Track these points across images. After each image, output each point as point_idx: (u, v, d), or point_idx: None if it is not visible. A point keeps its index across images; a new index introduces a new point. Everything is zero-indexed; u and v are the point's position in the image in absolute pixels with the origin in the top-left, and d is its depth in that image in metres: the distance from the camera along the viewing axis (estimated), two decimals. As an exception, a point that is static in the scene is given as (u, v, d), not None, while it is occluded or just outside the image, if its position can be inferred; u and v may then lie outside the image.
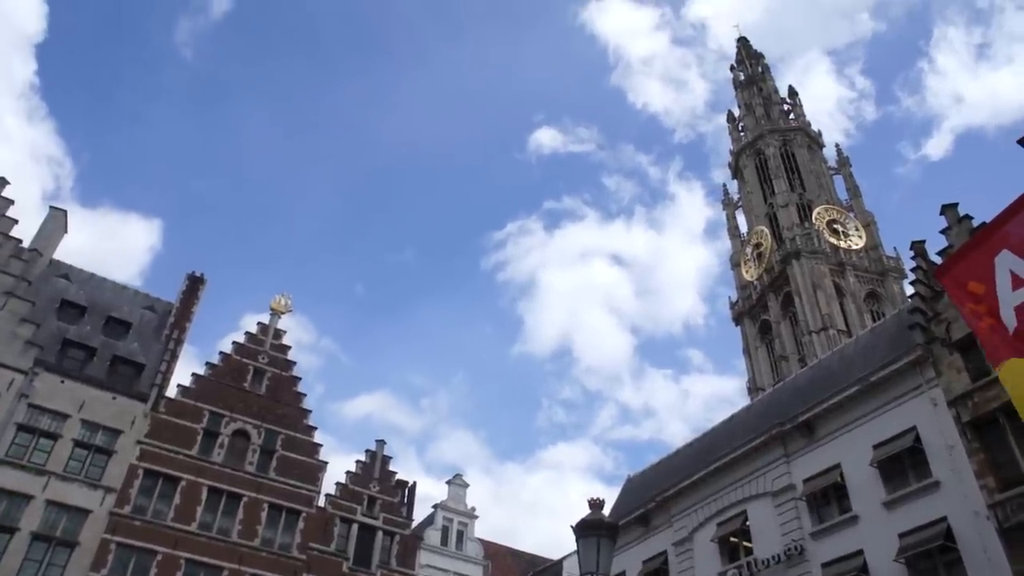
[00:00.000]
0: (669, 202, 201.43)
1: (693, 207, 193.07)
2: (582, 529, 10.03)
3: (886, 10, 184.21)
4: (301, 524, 33.22)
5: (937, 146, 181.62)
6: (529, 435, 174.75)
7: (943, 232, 23.82)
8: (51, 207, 36.41)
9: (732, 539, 27.27)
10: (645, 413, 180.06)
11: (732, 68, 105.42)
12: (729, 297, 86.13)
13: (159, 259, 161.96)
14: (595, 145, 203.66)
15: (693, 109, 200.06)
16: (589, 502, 10.81)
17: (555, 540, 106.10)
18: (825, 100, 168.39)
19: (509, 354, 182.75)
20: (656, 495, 30.67)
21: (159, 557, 29.60)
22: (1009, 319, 6.06)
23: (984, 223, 22.89)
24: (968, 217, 23.30)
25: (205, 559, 30.33)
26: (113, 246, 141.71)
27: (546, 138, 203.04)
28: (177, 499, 31.11)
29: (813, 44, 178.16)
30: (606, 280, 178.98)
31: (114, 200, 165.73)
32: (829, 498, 24.34)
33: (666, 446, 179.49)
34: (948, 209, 23.97)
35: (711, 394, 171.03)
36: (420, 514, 40.48)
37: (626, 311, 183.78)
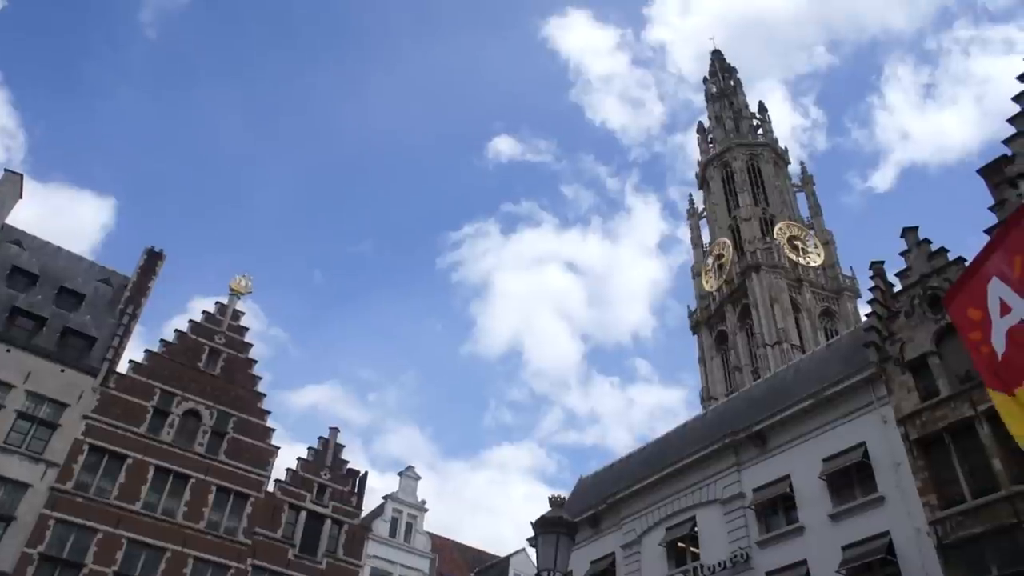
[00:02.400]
0: (625, 214, 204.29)
1: (648, 221, 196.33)
2: (542, 526, 10.04)
3: (840, 46, 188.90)
4: (249, 508, 32.76)
5: (882, 178, 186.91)
6: (475, 434, 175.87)
7: (902, 254, 24.38)
8: (5, 170, 35.25)
9: (680, 544, 27.59)
10: (590, 419, 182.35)
11: (705, 80, 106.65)
12: (688, 306, 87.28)
13: (111, 237, 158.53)
14: (552, 156, 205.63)
15: (649, 129, 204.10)
16: (550, 499, 10.83)
17: (496, 538, 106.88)
18: (780, 127, 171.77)
19: (459, 353, 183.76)
20: (607, 497, 30.88)
21: (99, 535, 28.92)
22: (999, 344, 6.23)
23: (942, 247, 23.54)
24: (927, 241, 23.88)
25: (148, 539, 29.73)
26: (63, 222, 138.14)
27: (505, 146, 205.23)
28: (122, 477, 30.44)
29: (770, 73, 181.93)
30: (559, 286, 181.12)
31: (67, 175, 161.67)
32: (777, 508, 24.77)
33: (609, 452, 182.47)
34: (908, 232, 24.53)
35: (655, 404, 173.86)
36: (368, 505, 40.20)
37: (577, 318, 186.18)
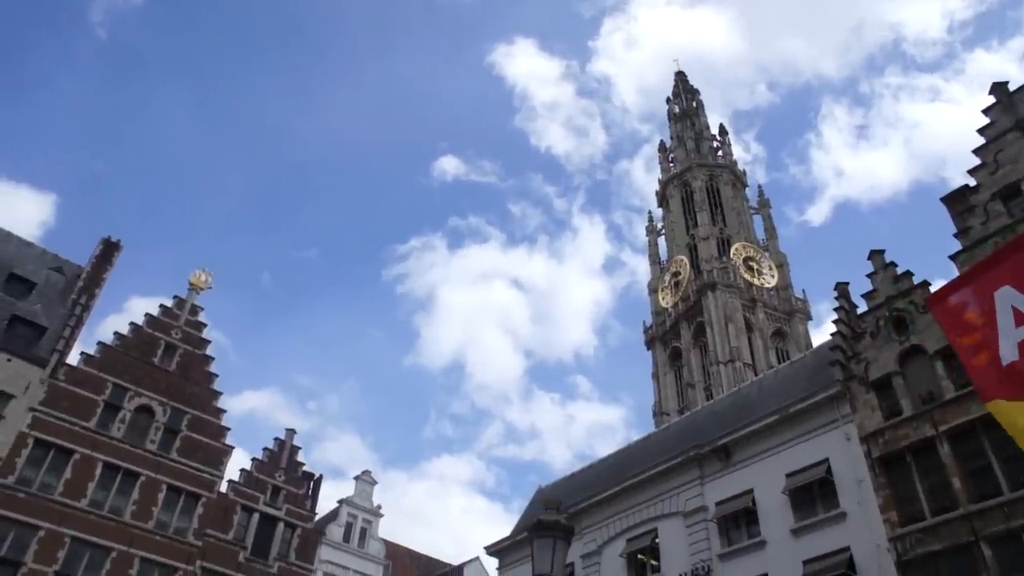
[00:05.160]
0: (571, 234, 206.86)
1: (594, 241, 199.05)
2: (538, 529, 9.87)
3: (779, 85, 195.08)
4: (200, 509, 31.80)
5: (817, 213, 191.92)
6: (415, 445, 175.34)
7: (869, 276, 24.97)
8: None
9: (640, 556, 27.64)
10: (530, 434, 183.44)
11: (668, 100, 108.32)
12: (644, 321, 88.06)
13: (50, 235, 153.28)
14: (497, 177, 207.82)
15: (592, 157, 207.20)
16: (544, 502, 10.68)
17: (433, 549, 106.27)
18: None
19: (402, 364, 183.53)
20: (568, 507, 30.74)
21: (41, 533, 27.70)
22: (1009, 354, 6.26)
23: (907, 270, 24.14)
24: (893, 264, 24.50)
25: (92, 538, 28.59)
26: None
27: (450, 165, 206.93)
28: (68, 473, 29.26)
29: (713, 108, 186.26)
30: (504, 302, 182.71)
31: (3, 171, 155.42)
32: (739, 522, 25.01)
33: (548, 467, 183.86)
34: (875, 255, 25.14)
35: (594, 421, 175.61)
36: (321, 509, 39.41)
37: (521, 334, 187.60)
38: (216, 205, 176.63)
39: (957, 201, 25.01)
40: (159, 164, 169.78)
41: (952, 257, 22.76)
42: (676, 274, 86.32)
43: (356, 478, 39.08)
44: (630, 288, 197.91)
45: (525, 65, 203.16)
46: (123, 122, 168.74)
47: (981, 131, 24.16)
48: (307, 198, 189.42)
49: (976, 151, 24.06)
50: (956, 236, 23.19)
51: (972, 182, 23.98)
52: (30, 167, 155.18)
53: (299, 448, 36.85)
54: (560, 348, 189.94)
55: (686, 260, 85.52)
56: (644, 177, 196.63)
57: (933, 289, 22.94)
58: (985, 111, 24.34)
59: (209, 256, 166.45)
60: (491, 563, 36.70)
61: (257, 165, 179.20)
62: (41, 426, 29.41)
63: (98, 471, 29.95)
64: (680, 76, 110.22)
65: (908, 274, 23.86)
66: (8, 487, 27.73)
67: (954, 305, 7.07)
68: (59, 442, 29.53)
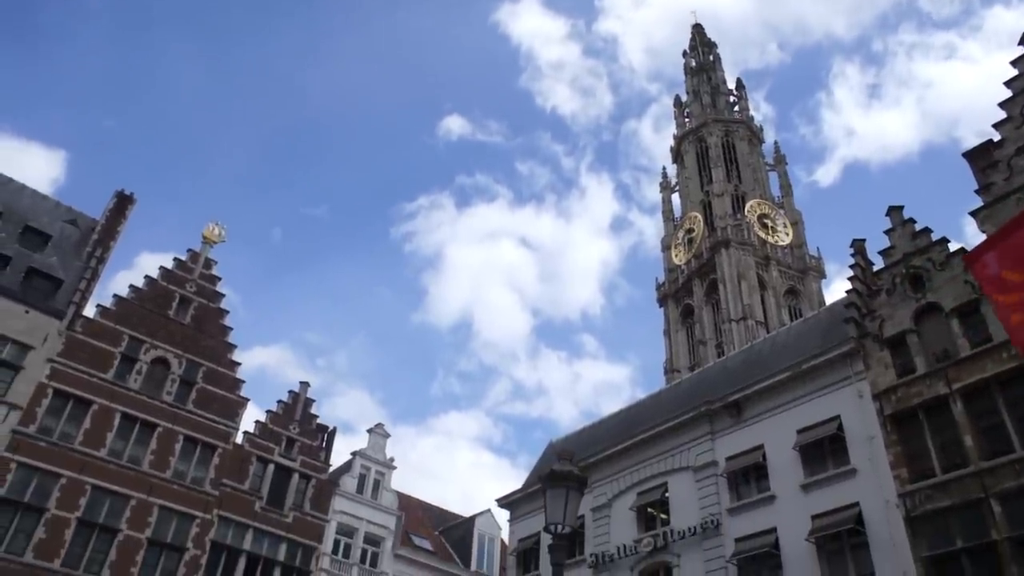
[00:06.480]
0: (579, 193, 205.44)
1: (602, 200, 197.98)
2: (552, 479, 9.91)
3: (789, 44, 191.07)
4: (216, 459, 32.30)
5: (827, 174, 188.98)
6: (424, 402, 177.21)
7: (886, 232, 24.68)
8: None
9: (650, 509, 27.96)
10: (537, 391, 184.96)
11: (685, 54, 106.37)
12: (656, 278, 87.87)
13: (61, 191, 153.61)
14: (503, 137, 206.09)
15: (599, 118, 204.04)
16: (558, 453, 10.74)
17: (441, 502, 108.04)
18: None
19: (410, 322, 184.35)
20: (579, 460, 31.08)
21: (63, 480, 28.26)
22: None
23: (926, 227, 23.82)
24: (912, 220, 24.17)
25: (112, 486, 29.13)
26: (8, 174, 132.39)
27: (455, 125, 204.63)
28: (87, 423, 29.70)
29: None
30: (512, 261, 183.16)
31: (13, 128, 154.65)
32: (749, 477, 25.19)
33: (555, 424, 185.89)
34: (893, 211, 24.81)
35: (601, 380, 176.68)
36: (335, 461, 39.93)
37: (528, 292, 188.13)
38: (226, 162, 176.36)
39: (979, 156, 24.55)
40: (167, 120, 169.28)
41: (973, 213, 22.43)
42: (690, 231, 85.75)
43: (369, 431, 39.49)
44: (638, 248, 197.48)
45: (530, 24, 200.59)
46: (133, 78, 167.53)
47: (1008, 83, 23.57)
48: (317, 155, 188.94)
49: (1002, 104, 23.51)
50: (978, 192, 22.80)
51: (995, 137, 23.50)
52: (40, 123, 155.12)
53: (313, 401, 37.25)
54: (567, 307, 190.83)
55: (700, 217, 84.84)
56: (652, 137, 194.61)
57: (952, 247, 22.77)
58: (1014, 62, 23.72)
59: (219, 213, 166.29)
60: (502, 515, 37.30)
61: (267, 122, 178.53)
62: (60, 377, 29.80)
63: (116, 421, 30.38)
64: (697, 29, 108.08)
65: (927, 231, 23.55)
66: (30, 436, 28.22)
67: (991, 263, 6.92)
68: (78, 393, 29.94)
